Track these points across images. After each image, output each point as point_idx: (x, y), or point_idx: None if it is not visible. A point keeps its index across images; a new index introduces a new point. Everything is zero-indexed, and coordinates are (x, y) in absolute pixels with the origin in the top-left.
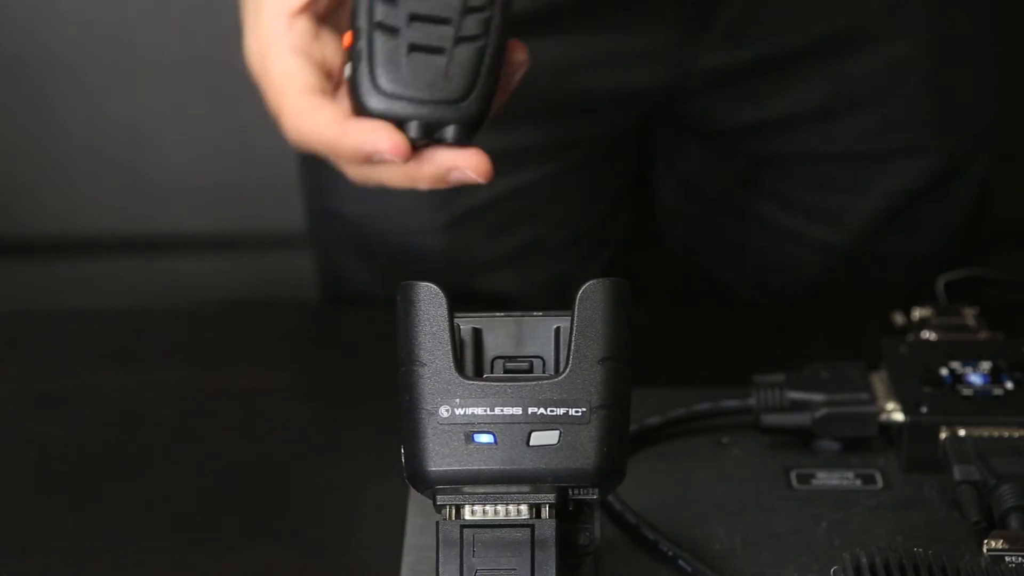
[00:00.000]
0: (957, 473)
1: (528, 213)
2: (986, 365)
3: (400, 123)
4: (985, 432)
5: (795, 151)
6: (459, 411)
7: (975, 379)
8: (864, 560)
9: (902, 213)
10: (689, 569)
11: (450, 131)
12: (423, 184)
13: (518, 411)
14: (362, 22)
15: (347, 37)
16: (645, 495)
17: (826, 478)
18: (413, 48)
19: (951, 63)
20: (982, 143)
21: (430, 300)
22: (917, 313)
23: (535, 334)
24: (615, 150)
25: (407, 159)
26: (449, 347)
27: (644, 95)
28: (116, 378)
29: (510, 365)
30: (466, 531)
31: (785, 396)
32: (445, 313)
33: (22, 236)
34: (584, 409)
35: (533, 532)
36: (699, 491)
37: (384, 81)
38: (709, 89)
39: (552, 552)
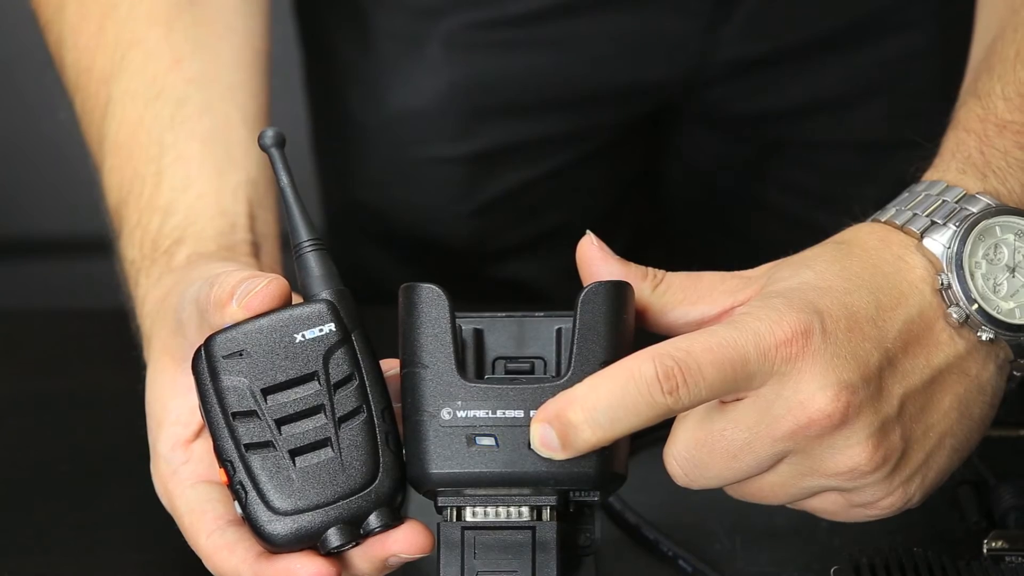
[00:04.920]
0: (957, 473)
1: (549, 201)
2: None
3: (316, 538)
4: (985, 432)
5: (805, 139)
6: (461, 413)
7: None
8: (864, 560)
9: None
10: (689, 569)
11: (373, 520)
12: None
13: (520, 414)
14: (230, 453)
15: (222, 475)
16: (645, 495)
17: None
18: (295, 453)
19: (960, 54)
20: None
21: (432, 302)
22: None
23: (536, 335)
24: (631, 138)
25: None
26: (451, 349)
27: (664, 85)
28: (116, 378)
29: (511, 366)
30: (467, 533)
31: None
32: (447, 315)
33: (22, 236)
34: None
35: (534, 534)
36: (699, 491)
37: (280, 501)
38: (726, 79)
39: (553, 554)
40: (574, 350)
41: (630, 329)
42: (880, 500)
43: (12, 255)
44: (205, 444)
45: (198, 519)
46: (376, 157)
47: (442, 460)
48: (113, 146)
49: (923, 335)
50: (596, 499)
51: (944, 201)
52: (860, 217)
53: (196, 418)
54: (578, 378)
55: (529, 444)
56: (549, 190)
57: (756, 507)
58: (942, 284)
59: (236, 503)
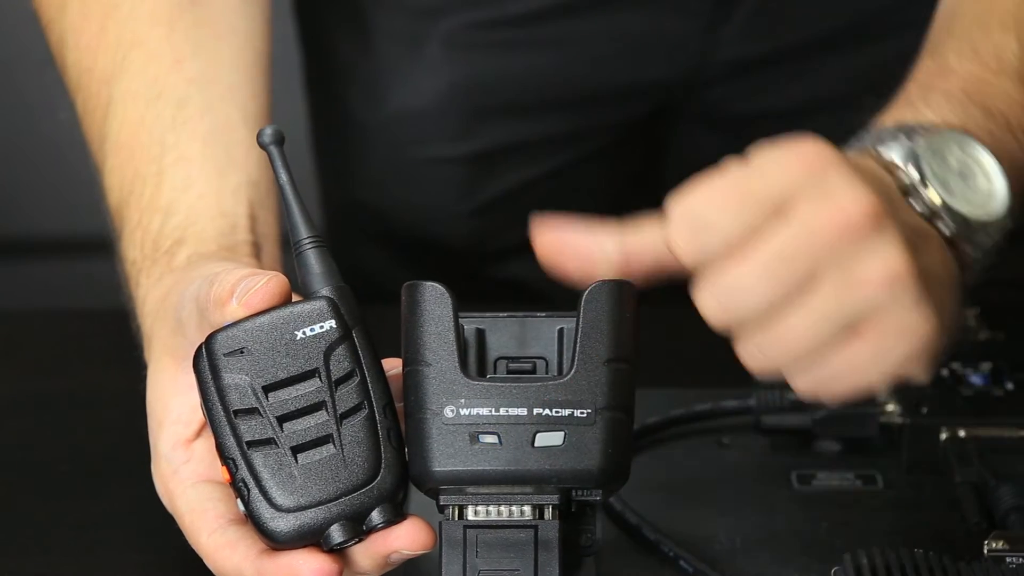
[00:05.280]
0: (957, 474)
1: (549, 201)
2: (986, 365)
3: (319, 534)
4: (985, 432)
5: None
6: (464, 411)
7: (975, 379)
8: (864, 561)
9: None
10: (690, 569)
11: (376, 516)
12: None
13: (523, 412)
14: (232, 451)
15: (224, 473)
16: (645, 495)
17: (826, 479)
18: (297, 450)
19: None
20: None
21: (436, 300)
22: None
23: (538, 335)
24: (631, 138)
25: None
26: (454, 347)
27: (664, 85)
28: (116, 378)
29: (513, 366)
30: (469, 531)
31: (785, 396)
32: (451, 313)
33: (22, 236)
34: (589, 410)
35: (536, 533)
36: (699, 491)
37: (282, 498)
38: (726, 79)
39: (556, 553)
40: (577, 348)
41: (633, 327)
42: (915, 320)
43: (12, 255)
44: (206, 443)
45: (199, 518)
46: (376, 157)
47: (445, 458)
48: (114, 146)
49: (901, 205)
50: (598, 499)
51: (886, 129)
52: None
53: (197, 417)
54: (581, 376)
55: (532, 442)
56: (549, 190)
57: (756, 507)
58: (904, 182)
59: (238, 501)
